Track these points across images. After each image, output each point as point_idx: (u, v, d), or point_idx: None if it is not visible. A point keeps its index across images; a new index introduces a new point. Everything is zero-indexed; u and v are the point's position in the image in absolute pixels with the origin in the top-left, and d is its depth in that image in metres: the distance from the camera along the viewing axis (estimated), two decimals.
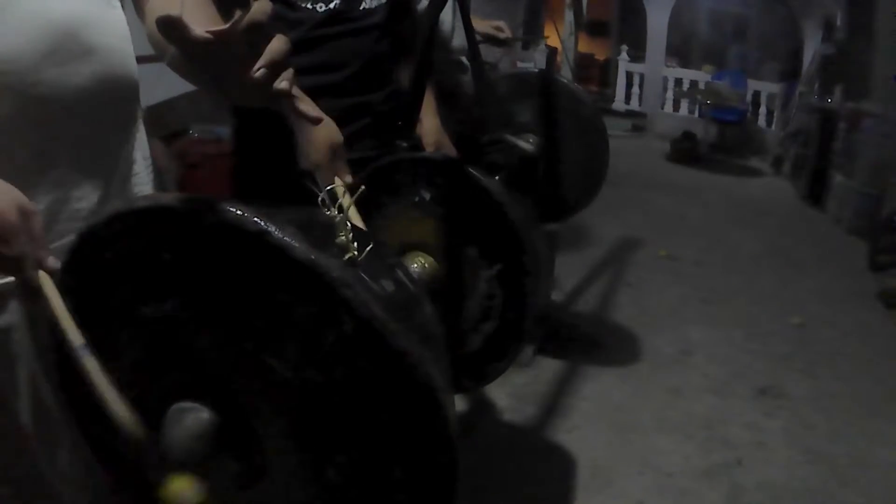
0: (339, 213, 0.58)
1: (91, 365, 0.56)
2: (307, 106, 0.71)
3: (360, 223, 0.81)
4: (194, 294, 0.54)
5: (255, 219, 0.49)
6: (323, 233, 0.55)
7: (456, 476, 0.54)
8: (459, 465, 0.54)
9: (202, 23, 0.59)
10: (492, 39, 2.10)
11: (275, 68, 0.61)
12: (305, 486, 0.56)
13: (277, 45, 0.62)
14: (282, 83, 0.63)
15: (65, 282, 0.62)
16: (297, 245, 0.49)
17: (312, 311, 0.50)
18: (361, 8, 1.28)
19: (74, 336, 0.57)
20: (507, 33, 2.15)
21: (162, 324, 0.56)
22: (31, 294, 0.63)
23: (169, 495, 0.54)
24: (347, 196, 0.62)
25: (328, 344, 0.50)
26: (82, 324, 0.59)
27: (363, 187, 0.67)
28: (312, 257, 0.49)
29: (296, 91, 0.67)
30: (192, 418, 0.54)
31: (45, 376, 0.79)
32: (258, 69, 0.60)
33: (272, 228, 0.49)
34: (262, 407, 0.55)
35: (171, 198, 0.54)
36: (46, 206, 0.77)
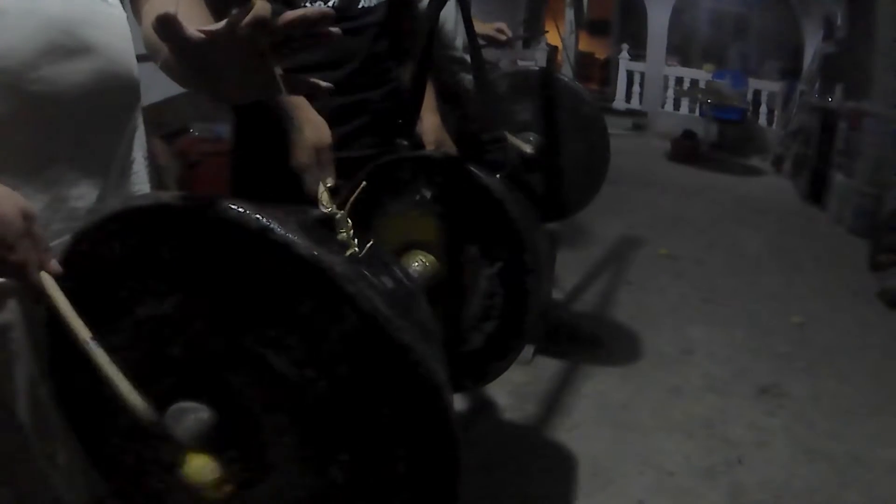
0: (338, 210, 0.58)
1: (101, 357, 0.57)
2: (298, 107, 0.68)
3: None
4: (195, 293, 0.54)
5: (258, 216, 0.49)
6: (323, 230, 0.55)
7: (459, 472, 0.53)
8: (462, 461, 0.53)
9: (196, 23, 0.58)
10: (493, 41, 2.10)
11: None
12: (309, 483, 0.56)
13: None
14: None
15: (61, 282, 0.62)
16: (299, 241, 0.48)
17: (316, 307, 0.50)
18: (360, 6, 1.28)
19: (82, 331, 0.58)
20: (507, 35, 2.15)
21: (160, 323, 0.56)
22: (33, 296, 0.63)
23: (189, 473, 0.55)
24: (327, 195, 0.62)
25: (331, 340, 0.50)
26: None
27: (364, 183, 0.67)
28: (315, 253, 0.48)
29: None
30: (193, 418, 0.54)
31: (44, 376, 0.79)
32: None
33: (274, 225, 0.49)
34: (264, 405, 0.55)
35: (171, 196, 0.53)
36: (44, 204, 0.77)
